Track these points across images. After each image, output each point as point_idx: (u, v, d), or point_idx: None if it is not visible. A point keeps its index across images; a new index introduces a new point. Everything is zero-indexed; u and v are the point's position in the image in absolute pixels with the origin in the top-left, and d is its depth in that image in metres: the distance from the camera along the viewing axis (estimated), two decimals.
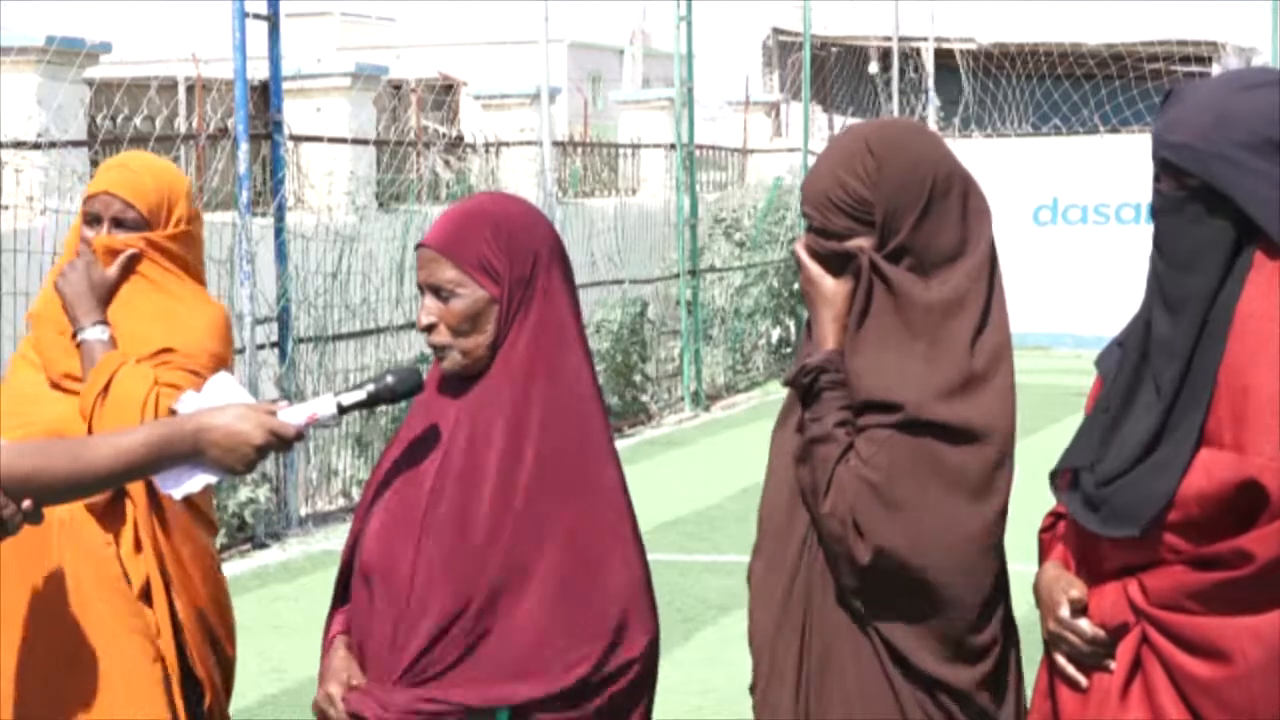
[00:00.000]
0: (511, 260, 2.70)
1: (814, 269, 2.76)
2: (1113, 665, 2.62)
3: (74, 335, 3.56)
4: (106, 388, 3.47)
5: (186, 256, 3.67)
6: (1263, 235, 2.51)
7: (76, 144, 9.37)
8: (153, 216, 3.60)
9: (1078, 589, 2.65)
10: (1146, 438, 2.55)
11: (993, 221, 2.77)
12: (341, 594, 2.88)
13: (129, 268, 3.59)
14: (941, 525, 2.66)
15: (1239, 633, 2.49)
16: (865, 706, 2.72)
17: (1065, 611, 2.65)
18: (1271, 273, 2.51)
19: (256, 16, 9.56)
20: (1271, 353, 2.48)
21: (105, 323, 3.55)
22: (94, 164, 9.46)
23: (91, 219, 3.62)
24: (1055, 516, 2.83)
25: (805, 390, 2.76)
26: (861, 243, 2.71)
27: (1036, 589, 2.73)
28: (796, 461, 2.78)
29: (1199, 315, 2.53)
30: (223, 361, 3.58)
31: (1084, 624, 2.64)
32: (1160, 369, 2.56)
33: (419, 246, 2.77)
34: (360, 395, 2.72)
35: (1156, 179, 2.62)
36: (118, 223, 3.60)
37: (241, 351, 9.45)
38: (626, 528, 2.75)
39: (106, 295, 3.59)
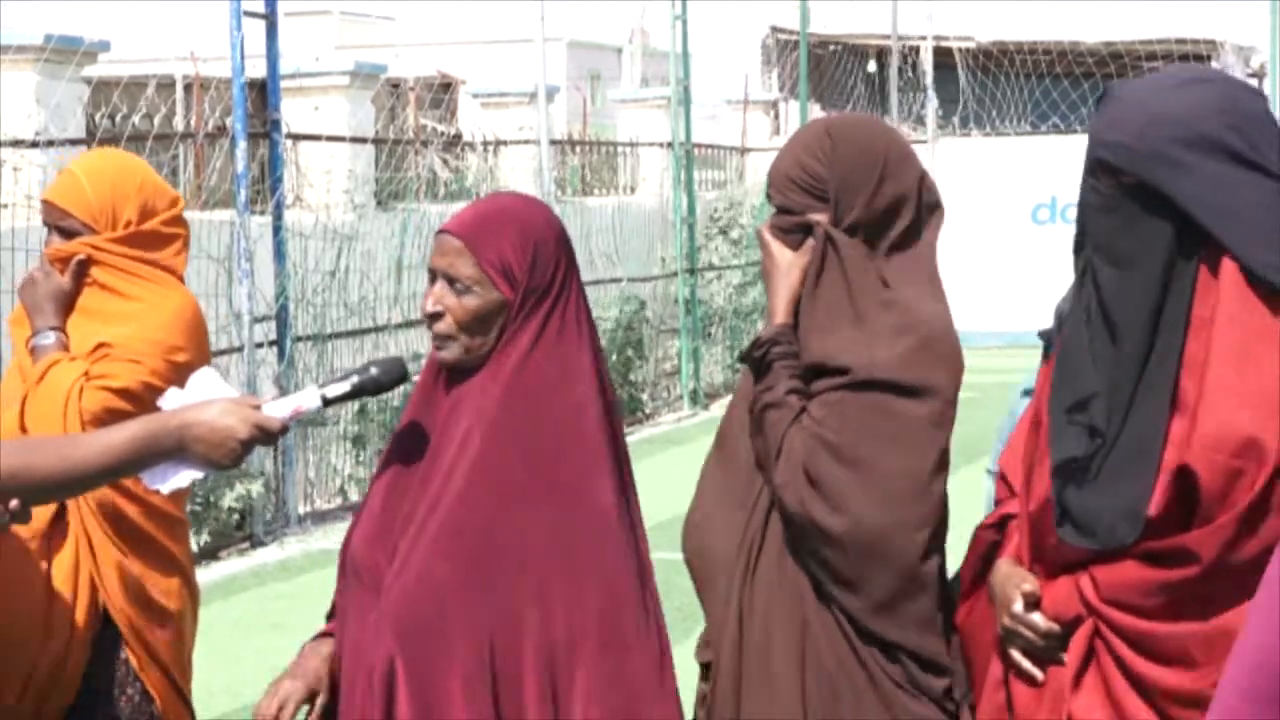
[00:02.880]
0: (533, 269, 2.66)
1: (773, 244, 2.93)
2: (1066, 658, 2.62)
3: (27, 341, 3.58)
4: (41, 380, 3.48)
5: (149, 255, 3.62)
6: (1206, 234, 2.51)
7: (75, 142, 9.35)
8: (95, 221, 3.57)
9: (1030, 583, 2.65)
10: (1110, 445, 2.56)
11: (944, 215, 2.95)
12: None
13: (81, 273, 3.58)
14: (892, 477, 2.75)
15: (1188, 636, 2.50)
16: (833, 670, 2.79)
17: (1019, 606, 2.65)
18: (1220, 273, 2.51)
19: (254, 15, 9.57)
20: (1226, 353, 2.48)
21: (59, 329, 3.56)
22: None
23: (47, 227, 3.64)
24: (1001, 518, 2.82)
25: (757, 363, 2.87)
26: (818, 217, 2.87)
27: (991, 585, 2.74)
28: (751, 434, 2.87)
29: (1152, 318, 2.53)
30: (178, 350, 3.56)
31: (1037, 618, 2.64)
32: (1118, 376, 2.56)
33: (441, 232, 2.71)
34: (345, 387, 2.71)
35: (1092, 175, 2.62)
36: (60, 230, 3.60)
37: (240, 350, 9.45)
38: (615, 535, 2.69)
39: (66, 301, 3.59)
